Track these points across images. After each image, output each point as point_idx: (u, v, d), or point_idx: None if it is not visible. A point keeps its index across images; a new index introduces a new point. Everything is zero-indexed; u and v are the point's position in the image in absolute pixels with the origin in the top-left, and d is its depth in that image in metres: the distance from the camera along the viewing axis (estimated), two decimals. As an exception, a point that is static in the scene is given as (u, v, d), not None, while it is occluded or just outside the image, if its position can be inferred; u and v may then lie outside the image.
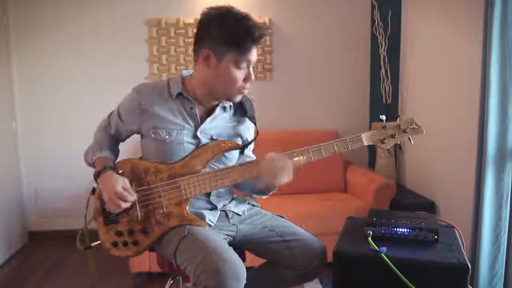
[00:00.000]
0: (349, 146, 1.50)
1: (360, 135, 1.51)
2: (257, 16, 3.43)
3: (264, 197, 1.64)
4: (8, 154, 3.25)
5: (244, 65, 1.45)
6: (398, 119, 1.56)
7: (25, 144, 3.41)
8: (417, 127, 1.54)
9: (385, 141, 1.53)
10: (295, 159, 1.49)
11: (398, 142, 1.55)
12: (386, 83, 3.39)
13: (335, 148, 1.50)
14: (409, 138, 1.55)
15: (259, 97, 3.49)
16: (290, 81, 3.56)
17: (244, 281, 1.34)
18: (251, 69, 1.48)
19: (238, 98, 1.54)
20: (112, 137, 1.66)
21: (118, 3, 3.35)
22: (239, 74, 1.46)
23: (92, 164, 1.60)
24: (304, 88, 3.59)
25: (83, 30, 3.35)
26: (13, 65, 3.33)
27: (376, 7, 3.37)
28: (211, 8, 1.46)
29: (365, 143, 1.52)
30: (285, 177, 1.46)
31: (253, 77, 1.49)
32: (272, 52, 3.49)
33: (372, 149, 3.62)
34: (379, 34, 3.38)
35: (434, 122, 2.89)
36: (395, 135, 1.53)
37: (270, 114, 3.53)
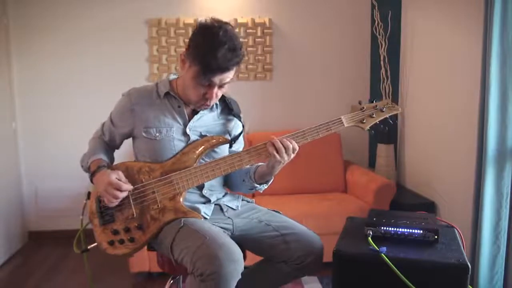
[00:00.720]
0: (331, 129, 1.56)
1: (340, 118, 1.58)
2: (257, 16, 3.44)
3: (263, 188, 1.67)
4: (8, 154, 3.25)
5: (204, 83, 1.48)
6: (374, 101, 1.63)
7: (25, 144, 3.42)
8: (392, 105, 1.62)
9: (364, 121, 1.60)
10: None
11: (377, 122, 1.61)
12: (386, 83, 3.39)
13: (318, 132, 1.56)
14: (388, 118, 1.61)
15: (259, 97, 3.50)
16: (290, 81, 3.56)
17: (242, 266, 1.36)
18: (215, 89, 1.50)
19: (201, 108, 1.59)
20: (106, 144, 1.70)
21: (118, 3, 3.35)
22: (198, 89, 1.50)
23: (87, 169, 1.62)
24: (304, 88, 3.59)
25: (83, 30, 3.35)
26: (13, 65, 3.33)
27: (376, 7, 3.37)
28: (211, 19, 1.49)
29: (346, 125, 1.58)
30: (290, 157, 1.51)
31: (214, 97, 1.52)
32: (272, 52, 3.50)
33: (372, 149, 3.62)
34: (379, 34, 3.38)
35: (434, 122, 2.90)
36: (373, 114, 1.60)
37: (270, 114, 3.53)
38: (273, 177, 1.63)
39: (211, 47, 1.42)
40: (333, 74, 3.59)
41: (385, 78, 3.39)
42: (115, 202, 1.50)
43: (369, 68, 3.61)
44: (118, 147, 1.73)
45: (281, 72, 3.54)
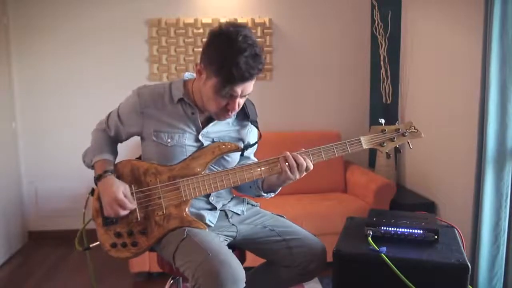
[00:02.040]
0: (349, 149, 1.51)
1: (359, 139, 1.52)
2: (257, 16, 3.44)
3: (269, 196, 1.64)
4: (8, 154, 3.25)
5: (226, 94, 1.40)
6: (397, 123, 1.57)
7: (25, 144, 3.41)
8: (415, 130, 1.54)
9: (384, 144, 1.54)
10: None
11: (397, 146, 1.55)
12: (386, 83, 3.39)
13: (335, 151, 1.50)
14: (408, 142, 1.56)
15: (259, 97, 3.49)
16: (290, 81, 3.56)
17: (243, 284, 1.33)
18: (237, 100, 1.43)
19: (221, 119, 1.53)
20: (111, 138, 1.64)
21: (118, 3, 3.35)
22: (220, 100, 1.42)
23: (91, 167, 1.59)
24: (304, 88, 3.59)
25: (83, 30, 3.35)
26: (13, 65, 3.33)
27: (376, 7, 3.37)
28: (226, 24, 1.40)
29: (365, 147, 1.52)
30: (302, 175, 1.47)
31: (236, 108, 1.45)
32: (272, 52, 3.50)
33: (372, 149, 3.61)
34: (379, 34, 3.38)
35: (434, 122, 2.90)
36: (394, 138, 1.54)
37: (270, 114, 3.52)
38: (280, 188, 1.58)
39: (231, 56, 1.33)
40: (333, 74, 3.59)
41: (385, 78, 3.39)
42: (116, 217, 1.49)
43: (369, 68, 3.61)
44: (122, 142, 1.67)
45: (281, 72, 3.54)
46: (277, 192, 1.63)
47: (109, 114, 1.64)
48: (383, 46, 3.36)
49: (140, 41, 3.41)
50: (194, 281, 1.33)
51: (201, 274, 1.31)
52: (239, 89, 1.39)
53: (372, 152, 3.58)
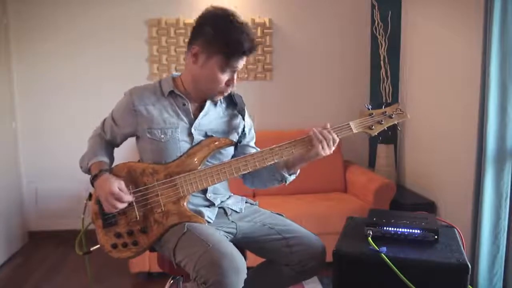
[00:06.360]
0: (340, 135, 1.53)
1: (348, 123, 1.55)
2: (257, 16, 3.44)
3: (292, 178, 1.63)
4: (8, 154, 3.25)
5: (228, 70, 1.49)
6: (383, 107, 1.60)
7: (25, 144, 3.42)
8: (401, 112, 1.59)
9: (373, 127, 1.57)
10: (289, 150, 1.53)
11: (385, 128, 1.59)
12: (386, 83, 3.40)
13: None
14: (396, 124, 1.59)
15: (259, 97, 3.51)
16: (290, 81, 3.56)
17: (244, 275, 1.34)
18: (235, 75, 1.52)
19: (218, 98, 1.60)
20: (106, 143, 1.67)
21: (118, 3, 3.35)
22: (222, 77, 1.50)
23: (87, 170, 1.60)
24: (304, 88, 3.59)
25: (83, 30, 3.35)
26: (13, 65, 3.33)
27: (376, 7, 3.38)
28: (213, 7, 1.48)
29: (354, 131, 1.55)
30: (331, 149, 1.50)
31: (235, 82, 1.53)
32: (272, 52, 3.50)
33: (372, 149, 3.62)
34: (379, 34, 3.38)
35: (434, 122, 2.90)
36: (382, 121, 1.58)
37: (270, 114, 3.53)
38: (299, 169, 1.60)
39: (235, 31, 1.42)
40: (333, 74, 3.59)
41: (385, 78, 3.40)
42: (115, 211, 1.49)
43: (369, 68, 3.61)
44: (118, 146, 1.70)
45: (281, 72, 3.54)
46: (297, 174, 1.63)
47: (104, 120, 1.68)
48: (383, 46, 3.36)
49: (140, 41, 3.41)
50: (195, 273, 1.33)
51: (202, 266, 1.31)
52: (242, 62, 1.49)
53: (372, 152, 3.59)
